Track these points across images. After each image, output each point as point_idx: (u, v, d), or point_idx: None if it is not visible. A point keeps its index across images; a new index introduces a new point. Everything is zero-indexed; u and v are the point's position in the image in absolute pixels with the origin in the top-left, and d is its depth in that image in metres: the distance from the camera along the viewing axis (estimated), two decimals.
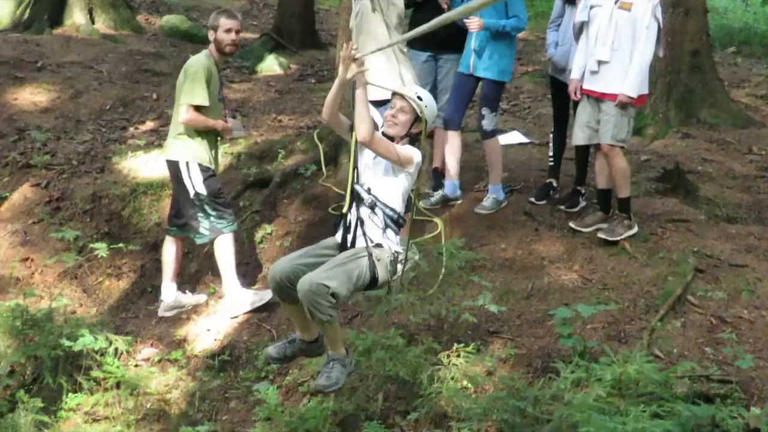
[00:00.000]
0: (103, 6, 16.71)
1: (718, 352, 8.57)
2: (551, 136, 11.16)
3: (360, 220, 7.09)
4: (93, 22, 16.53)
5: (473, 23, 9.99)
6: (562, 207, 10.67)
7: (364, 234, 7.05)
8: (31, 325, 9.19)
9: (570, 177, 10.93)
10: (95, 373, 8.99)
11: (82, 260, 10.42)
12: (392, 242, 7.21)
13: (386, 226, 7.18)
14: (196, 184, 9.64)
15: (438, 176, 11.00)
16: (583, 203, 10.72)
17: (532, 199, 10.82)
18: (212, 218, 9.67)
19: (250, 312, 9.68)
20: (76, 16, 16.51)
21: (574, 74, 9.87)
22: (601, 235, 9.87)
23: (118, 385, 8.97)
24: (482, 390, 8.21)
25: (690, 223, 10.28)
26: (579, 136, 10.00)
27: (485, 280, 9.28)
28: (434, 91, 10.63)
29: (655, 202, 11.04)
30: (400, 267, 7.31)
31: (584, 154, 10.74)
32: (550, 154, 11.05)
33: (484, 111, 10.51)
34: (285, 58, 15.47)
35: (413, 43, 10.55)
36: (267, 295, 9.66)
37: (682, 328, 8.87)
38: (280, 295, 7.17)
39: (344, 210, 7.23)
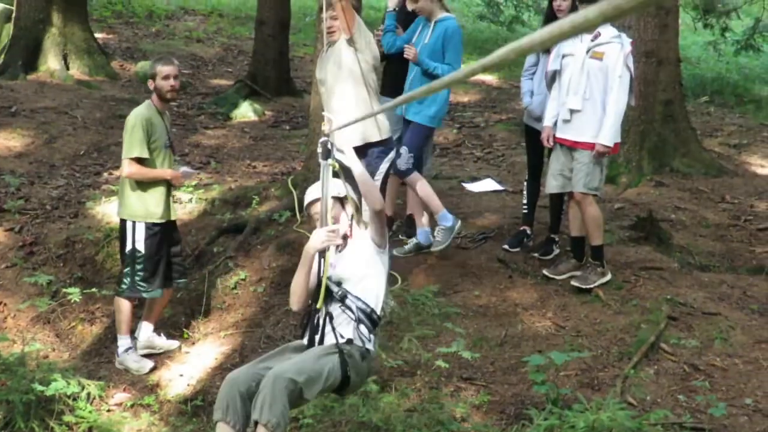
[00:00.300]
0: (77, 52, 16.72)
1: (691, 400, 8.61)
2: (525, 183, 11.21)
3: (329, 315, 6.65)
4: (68, 68, 16.56)
5: (410, 51, 10.22)
6: (536, 254, 10.74)
7: (334, 330, 6.59)
8: (3, 370, 9.17)
9: (544, 225, 11.01)
10: (67, 417, 8.95)
11: (55, 305, 10.40)
12: (365, 338, 6.73)
13: (359, 320, 6.69)
14: (137, 241, 9.64)
15: (411, 224, 11.04)
16: (556, 251, 10.79)
17: (506, 247, 10.87)
18: (137, 278, 9.66)
19: (221, 359, 9.70)
20: (51, 62, 16.53)
21: (547, 122, 10.00)
22: (574, 282, 9.93)
23: (90, 430, 8.95)
24: None
25: (663, 271, 10.33)
26: (552, 184, 10.07)
27: (459, 326, 9.30)
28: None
29: (629, 250, 11.10)
30: (371, 366, 7.15)
31: (558, 201, 10.82)
32: (524, 201, 11.10)
33: (402, 150, 10.40)
34: (260, 104, 15.51)
35: (384, 91, 10.73)
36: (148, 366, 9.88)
37: (655, 376, 8.90)
38: (225, 416, 6.39)
39: (318, 305, 6.70)
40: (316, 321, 6.70)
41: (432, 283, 9.95)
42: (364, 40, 9.39)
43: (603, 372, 8.88)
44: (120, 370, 9.72)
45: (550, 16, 10.72)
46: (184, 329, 10.31)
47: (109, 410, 9.18)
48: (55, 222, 11.52)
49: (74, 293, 10.42)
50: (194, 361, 9.80)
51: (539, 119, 10.58)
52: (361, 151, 9.30)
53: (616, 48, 9.59)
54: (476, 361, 8.97)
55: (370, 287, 6.82)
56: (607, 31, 9.68)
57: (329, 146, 6.51)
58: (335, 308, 6.67)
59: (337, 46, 9.23)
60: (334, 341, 6.49)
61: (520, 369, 8.81)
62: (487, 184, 12.35)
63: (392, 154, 9.52)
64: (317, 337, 6.62)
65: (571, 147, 9.73)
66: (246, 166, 12.74)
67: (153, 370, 9.80)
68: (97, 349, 10.03)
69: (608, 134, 9.55)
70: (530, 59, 10.80)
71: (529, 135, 10.97)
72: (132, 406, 9.28)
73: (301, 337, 6.87)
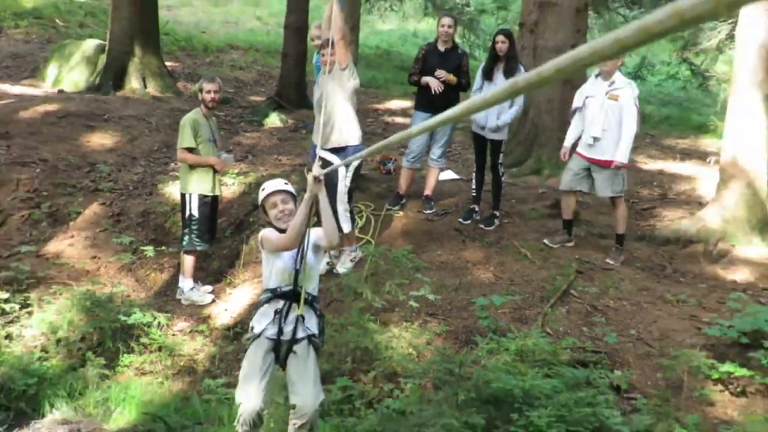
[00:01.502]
0: (152, 76, 16.69)
1: (591, 331, 8.67)
2: (474, 174, 11.17)
3: (302, 317, 5.99)
4: (145, 87, 16.51)
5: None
6: (482, 225, 10.74)
7: (307, 329, 6.04)
8: (97, 305, 9.17)
9: (488, 203, 11.00)
10: (143, 340, 8.97)
11: (134, 259, 10.44)
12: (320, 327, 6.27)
13: (320, 315, 6.28)
14: (192, 208, 9.73)
15: (398, 197, 11.11)
16: (497, 223, 10.78)
17: (461, 220, 10.85)
18: (192, 236, 9.74)
19: (254, 298, 9.69)
20: (133, 83, 16.49)
21: (567, 143, 10.34)
22: (608, 260, 10.19)
23: (159, 349, 8.95)
24: (422, 356, 8.26)
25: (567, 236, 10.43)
26: (566, 179, 10.29)
27: (425, 276, 9.31)
28: (429, 141, 10.97)
29: (548, 222, 11.12)
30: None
31: (497, 188, 10.86)
32: (473, 187, 11.07)
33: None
34: (284, 115, 15.45)
35: (418, 106, 11.01)
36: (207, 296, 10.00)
37: (566, 314, 8.97)
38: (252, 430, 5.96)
39: (298, 312, 5.99)
40: (285, 320, 5.97)
41: (407, 244, 9.97)
42: (352, 70, 9.50)
43: (529, 310, 8.93)
44: (181, 305, 9.77)
45: (493, 54, 10.67)
46: (228, 276, 10.32)
47: (173, 335, 9.21)
48: (135, 198, 11.52)
49: (149, 250, 10.49)
50: (235, 300, 9.83)
51: (483, 128, 10.58)
52: (342, 149, 9.39)
53: (628, 91, 9.81)
54: (438, 301, 9.01)
55: (317, 283, 6.36)
56: (620, 79, 9.95)
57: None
58: (306, 310, 6.04)
59: (333, 73, 9.27)
60: (305, 336, 6.02)
61: (470, 308, 8.87)
62: (448, 175, 12.32)
63: (363, 152, 9.54)
64: (288, 334, 5.95)
65: (595, 163, 9.98)
66: (274, 159, 12.72)
67: (212, 301, 9.93)
68: (164, 290, 10.06)
69: (623, 154, 9.80)
70: (477, 83, 10.67)
71: (476, 139, 10.93)
72: (190, 332, 9.31)
73: (258, 332, 6.03)
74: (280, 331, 5.94)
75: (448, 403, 7.25)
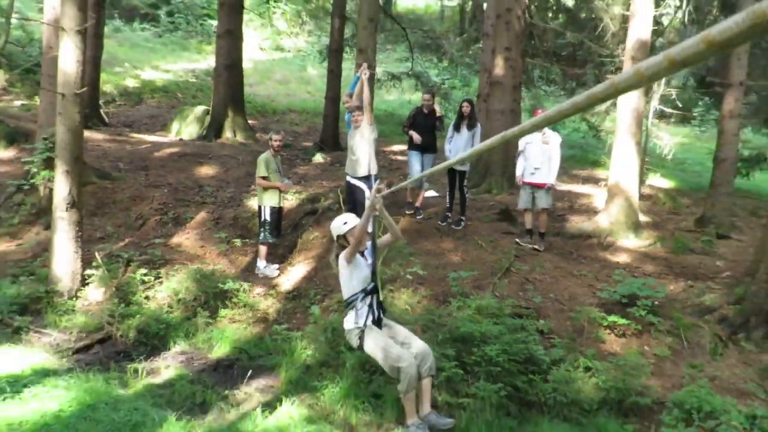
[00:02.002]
0: (240, 129, 16.74)
1: (525, 295, 8.65)
2: (447, 193, 11.14)
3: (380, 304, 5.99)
4: (235, 136, 16.55)
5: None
6: (453, 226, 10.72)
7: (381, 306, 6.01)
8: (204, 277, 9.17)
9: (457, 212, 10.99)
10: (233, 300, 8.96)
11: (228, 247, 10.45)
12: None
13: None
14: (265, 215, 9.72)
15: (416, 209, 11.16)
16: (463, 224, 10.75)
17: (439, 222, 10.84)
18: (266, 233, 9.74)
19: (306, 272, 9.72)
20: (228, 133, 16.54)
21: (518, 174, 10.24)
22: (536, 247, 10.09)
23: (244, 306, 8.94)
24: (415, 310, 8.26)
25: (513, 234, 10.37)
26: (522, 202, 10.26)
27: (417, 259, 9.32)
28: (419, 171, 10.71)
29: (496, 224, 11.11)
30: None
31: (462, 201, 10.83)
32: (447, 201, 11.05)
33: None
34: (325, 155, 15.48)
35: (410, 147, 10.84)
36: (275, 271, 9.93)
37: (508, 283, 8.94)
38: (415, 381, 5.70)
39: (381, 299, 6.10)
40: (375, 307, 5.83)
41: (404, 238, 9.98)
42: (373, 126, 9.51)
43: (483, 281, 8.92)
44: (258, 277, 9.74)
45: (460, 114, 10.68)
46: (288, 259, 10.31)
47: (253, 297, 9.20)
48: (228, 208, 11.56)
49: (237, 241, 10.53)
50: (293, 274, 9.80)
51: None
52: (368, 177, 9.41)
53: (555, 138, 10.01)
54: (425, 275, 9.01)
55: None
56: (548, 130, 10.02)
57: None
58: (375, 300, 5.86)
59: (362, 127, 9.29)
60: (384, 310, 6.03)
61: (445, 279, 8.85)
62: (431, 193, 12.33)
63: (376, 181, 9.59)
64: (378, 314, 5.86)
65: (535, 186, 10.01)
66: (318, 183, 12.71)
67: (278, 275, 9.85)
68: (247, 268, 10.02)
69: (553, 178, 10.03)
70: (450, 132, 10.69)
71: (449, 171, 10.81)
72: (264, 295, 9.29)
73: (362, 325, 5.79)
74: (376, 315, 5.81)
75: (431, 340, 7.25)
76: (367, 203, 5.46)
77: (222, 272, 9.65)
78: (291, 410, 6.43)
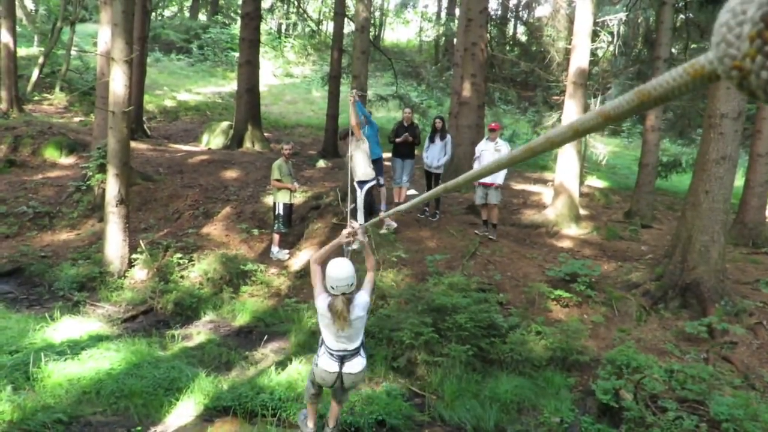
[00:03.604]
0: (257, 140, 16.56)
1: (488, 273, 8.61)
2: (425, 191, 11.08)
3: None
4: (254, 147, 16.41)
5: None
6: (430, 218, 10.65)
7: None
8: (228, 260, 9.10)
9: (433, 207, 10.93)
10: (253, 278, 8.89)
11: (247, 236, 10.34)
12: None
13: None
14: (279, 209, 9.59)
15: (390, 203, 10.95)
16: (438, 217, 10.67)
17: (419, 215, 10.76)
18: (279, 224, 9.60)
19: (307, 258, 9.64)
20: (247, 144, 16.38)
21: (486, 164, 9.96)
22: (490, 236, 9.83)
23: (261, 283, 8.90)
24: (399, 286, 8.20)
25: (477, 225, 10.31)
26: (478, 197, 9.97)
27: (401, 245, 9.26)
28: (401, 173, 10.57)
29: (464, 217, 11.06)
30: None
31: (436, 201, 10.77)
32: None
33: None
34: (326, 161, 15.38)
35: (394, 154, 10.58)
36: (286, 255, 9.73)
37: (474, 264, 8.90)
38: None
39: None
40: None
41: (392, 230, 9.92)
42: (364, 141, 9.32)
43: (454, 262, 8.87)
44: (272, 260, 9.62)
45: (433, 128, 10.60)
46: (297, 245, 10.22)
47: (268, 276, 9.13)
48: (249, 204, 11.44)
49: (255, 231, 10.38)
50: (301, 257, 9.69)
51: (430, 167, 10.47)
52: (363, 182, 9.26)
53: (505, 147, 9.66)
54: (407, 258, 8.95)
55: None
56: (500, 141, 9.80)
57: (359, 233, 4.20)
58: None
59: (356, 142, 9.16)
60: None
61: (423, 261, 8.78)
62: (411, 192, 12.24)
63: (373, 182, 9.42)
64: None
65: (486, 186, 9.72)
66: (321, 184, 12.61)
67: (288, 259, 9.73)
68: (263, 253, 9.93)
69: (501, 180, 9.81)
70: (426, 144, 10.55)
71: (426, 173, 10.69)
72: (277, 274, 9.23)
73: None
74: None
75: (412, 311, 7.23)
76: (343, 238, 4.21)
77: (243, 256, 9.57)
78: (299, 367, 6.40)
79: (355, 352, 4.21)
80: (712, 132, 8.09)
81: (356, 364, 4.20)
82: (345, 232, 4.21)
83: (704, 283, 8.00)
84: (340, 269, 3.99)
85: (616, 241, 10.73)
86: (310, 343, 7.14)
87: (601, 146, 17.13)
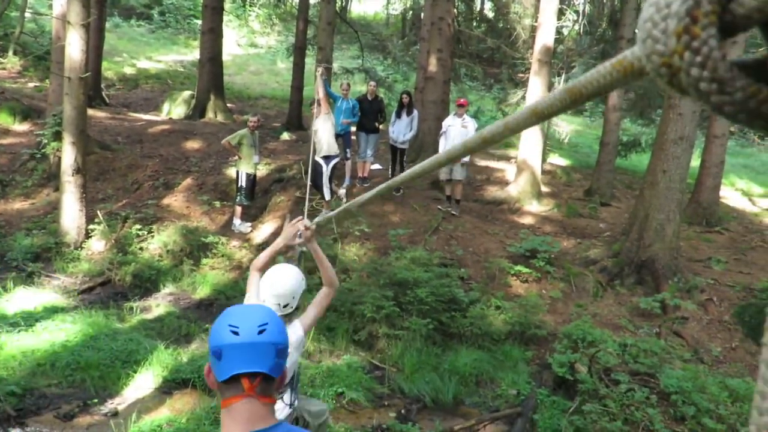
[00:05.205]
0: (220, 111, 16.21)
1: (450, 248, 8.68)
2: (390, 166, 11.04)
3: None
4: (216, 117, 16.08)
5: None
6: (394, 193, 10.60)
7: None
8: (189, 232, 8.97)
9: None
10: (214, 251, 8.79)
11: (209, 208, 10.17)
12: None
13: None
14: (242, 180, 9.43)
15: (363, 179, 10.87)
16: (402, 192, 10.64)
17: None
18: (241, 196, 9.44)
19: (273, 229, 9.55)
20: (210, 114, 16.03)
21: (439, 151, 9.78)
22: (453, 212, 9.81)
23: (222, 256, 8.80)
24: (361, 260, 8.22)
25: (440, 201, 10.34)
26: (442, 173, 9.92)
27: (365, 219, 9.25)
28: (366, 147, 10.58)
29: (429, 192, 11.06)
30: None
31: (393, 170, 10.75)
32: (390, 172, 10.97)
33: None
34: (290, 133, 15.16)
35: (360, 128, 10.53)
36: (248, 228, 9.62)
37: (436, 239, 8.95)
38: None
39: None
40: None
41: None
42: (330, 114, 9.20)
43: (417, 237, 8.89)
44: (234, 233, 9.49)
45: (400, 103, 10.56)
46: (260, 218, 10.12)
47: (229, 248, 9.04)
48: (210, 176, 11.24)
49: (217, 203, 10.22)
50: (263, 230, 9.61)
51: (395, 142, 10.45)
52: (328, 157, 9.15)
53: (472, 124, 9.63)
54: (370, 232, 8.94)
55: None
56: (467, 117, 9.74)
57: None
58: None
59: (321, 116, 9.02)
60: None
61: (386, 235, 8.78)
62: (375, 166, 12.18)
63: (338, 158, 9.33)
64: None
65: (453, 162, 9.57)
66: (285, 157, 12.43)
67: (251, 231, 9.62)
68: (224, 225, 9.79)
69: (467, 157, 9.72)
70: (393, 118, 10.53)
71: (391, 148, 10.65)
72: (239, 247, 9.12)
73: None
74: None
75: (374, 284, 7.26)
76: (291, 238, 3.07)
77: (204, 228, 9.43)
78: None
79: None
80: (671, 112, 8.24)
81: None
82: (291, 229, 3.06)
83: (659, 260, 8.22)
84: (278, 279, 2.94)
85: (575, 219, 10.90)
86: None
87: (564, 125, 17.33)
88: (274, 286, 2.94)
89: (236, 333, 1.48)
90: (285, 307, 2.93)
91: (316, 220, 3.26)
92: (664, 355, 6.33)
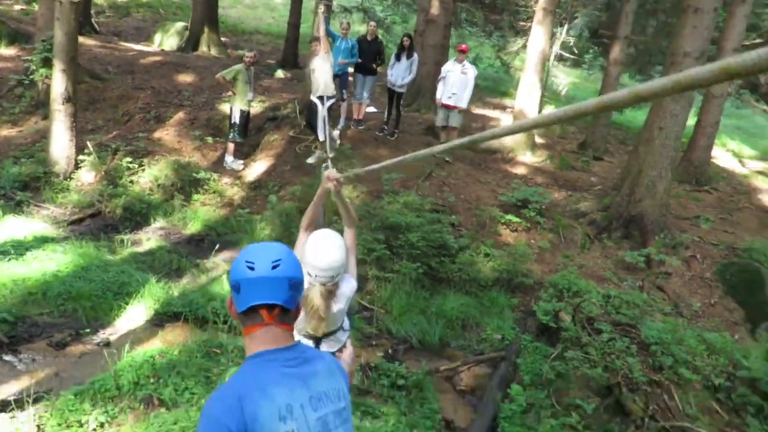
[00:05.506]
0: (214, 44, 15.86)
1: (442, 195, 8.69)
2: (386, 109, 10.93)
3: None
4: (209, 50, 15.73)
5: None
6: (389, 136, 10.57)
7: None
8: (181, 167, 8.91)
9: (392, 125, 10.82)
10: (205, 187, 8.76)
11: (201, 144, 10.04)
12: None
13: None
14: (235, 116, 9.29)
15: (357, 121, 10.77)
16: (396, 135, 10.57)
17: (377, 133, 10.67)
18: (234, 133, 9.31)
19: (267, 166, 9.51)
20: (203, 47, 15.67)
21: (438, 96, 9.80)
22: (446, 159, 9.78)
23: (214, 192, 8.78)
24: (354, 203, 8.22)
25: (433, 146, 10.27)
26: (439, 119, 9.92)
27: (358, 161, 9.20)
28: (362, 89, 10.47)
29: (422, 137, 10.98)
30: None
31: (389, 113, 10.68)
32: (385, 116, 10.89)
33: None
34: (285, 71, 14.88)
35: (358, 69, 10.35)
36: (240, 165, 9.54)
37: (429, 185, 8.94)
38: None
39: None
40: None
41: (348, 145, 9.81)
42: (329, 53, 9.01)
43: (410, 182, 8.88)
44: (226, 169, 9.43)
45: (400, 46, 10.40)
46: (252, 156, 10.04)
47: (221, 185, 9.01)
48: (203, 111, 11.07)
49: (209, 139, 10.11)
50: (256, 168, 9.57)
51: (393, 85, 10.31)
52: (325, 98, 9.01)
53: (472, 71, 9.62)
54: (364, 175, 8.91)
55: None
56: (467, 63, 9.67)
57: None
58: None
59: (320, 55, 8.84)
60: None
61: (380, 179, 8.73)
62: (371, 109, 12.06)
63: (334, 98, 9.19)
64: None
65: (449, 108, 9.65)
66: (279, 95, 12.24)
67: (243, 169, 9.57)
68: (216, 161, 9.71)
69: (465, 103, 9.67)
70: (392, 61, 10.34)
71: (389, 91, 10.46)
72: (231, 184, 9.08)
73: None
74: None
75: (366, 227, 7.29)
76: (323, 190, 3.14)
77: (196, 164, 9.35)
78: None
79: (331, 333, 3.03)
80: (672, 70, 8.16)
81: (332, 342, 3.03)
82: (327, 176, 3.10)
83: (648, 215, 8.31)
84: (325, 253, 2.76)
85: (568, 171, 10.93)
86: None
87: (563, 76, 17.16)
88: (326, 259, 2.74)
89: (252, 268, 1.63)
90: (338, 276, 2.79)
91: (345, 174, 3.30)
92: (645, 307, 6.48)
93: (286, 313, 1.67)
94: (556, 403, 4.88)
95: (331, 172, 3.09)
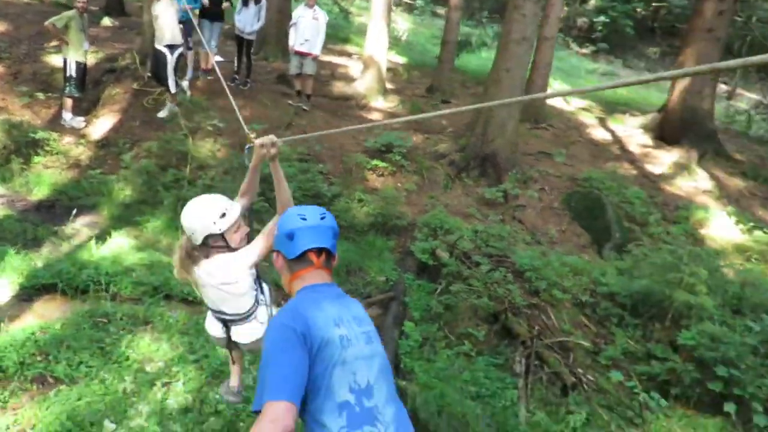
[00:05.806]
0: None
1: (306, 144, 8.62)
2: (236, 58, 10.46)
3: None
4: None
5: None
6: (241, 86, 10.10)
7: None
8: (13, 127, 7.89)
9: (243, 75, 10.42)
10: (46, 148, 7.88)
11: (31, 101, 8.97)
12: None
13: None
14: (70, 69, 8.44)
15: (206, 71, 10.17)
16: (249, 85, 10.18)
17: (228, 83, 10.08)
18: (71, 87, 8.50)
19: (112, 124, 8.76)
20: None
21: (291, 43, 9.53)
22: (304, 107, 9.65)
23: (57, 154, 7.96)
24: (215, 157, 7.93)
25: (289, 95, 10.09)
26: (293, 67, 9.68)
27: (215, 113, 8.74)
28: (210, 36, 9.80)
29: (275, 86, 10.70)
30: None
31: (239, 62, 10.32)
32: (236, 65, 10.44)
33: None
34: (112, 19, 13.47)
35: (203, 14, 9.68)
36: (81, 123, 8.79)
37: (292, 134, 8.79)
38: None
39: None
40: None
41: (203, 96, 9.28)
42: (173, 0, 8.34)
43: (271, 132, 8.41)
44: (65, 128, 8.57)
45: None
46: (93, 111, 9.20)
47: (64, 145, 8.18)
48: (26, 64, 9.85)
49: (40, 95, 9.16)
50: (100, 125, 8.77)
51: (242, 32, 9.89)
52: (172, 46, 8.43)
53: (323, 16, 9.50)
54: (223, 127, 8.51)
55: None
56: (318, 9, 9.49)
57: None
58: None
59: (163, 0, 8.16)
60: None
61: (240, 130, 8.44)
62: (218, 58, 11.42)
63: (182, 47, 8.63)
64: None
65: (303, 55, 9.44)
66: (110, 45, 11.14)
67: (85, 127, 8.75)
68: (52, 120, 8.77)
69: (318, 50, 9.56)
70: (239, 6, 9.89)
71: (238, 39, 10.00)
72: (75, 144, 8.28)
73: None
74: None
75: (236, 181, 7.08)
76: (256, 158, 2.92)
77: (29, 123, 8.35)
78: (120, 241, 6.04)
79: (243, 317, 2.89)
80: (516, 13, 8.71)
81: (246, 332, 2.91)
82: (262, 143, 2.82)
83: (500, 153, 8.94)
84: (186, 212, 2.76)
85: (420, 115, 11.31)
86: (125, 216, 6.73)
87: (401, 21, 17.51)
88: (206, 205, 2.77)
89: (304, 219, 2.06)
90: (192, 235, 2.71)
91: (283, 140, 3.02)
92: (510, 238, 7.07)
93: (329, 258, 2.08)
94: (449, 334, 5.23)
95: (265, 138, 2.81)
